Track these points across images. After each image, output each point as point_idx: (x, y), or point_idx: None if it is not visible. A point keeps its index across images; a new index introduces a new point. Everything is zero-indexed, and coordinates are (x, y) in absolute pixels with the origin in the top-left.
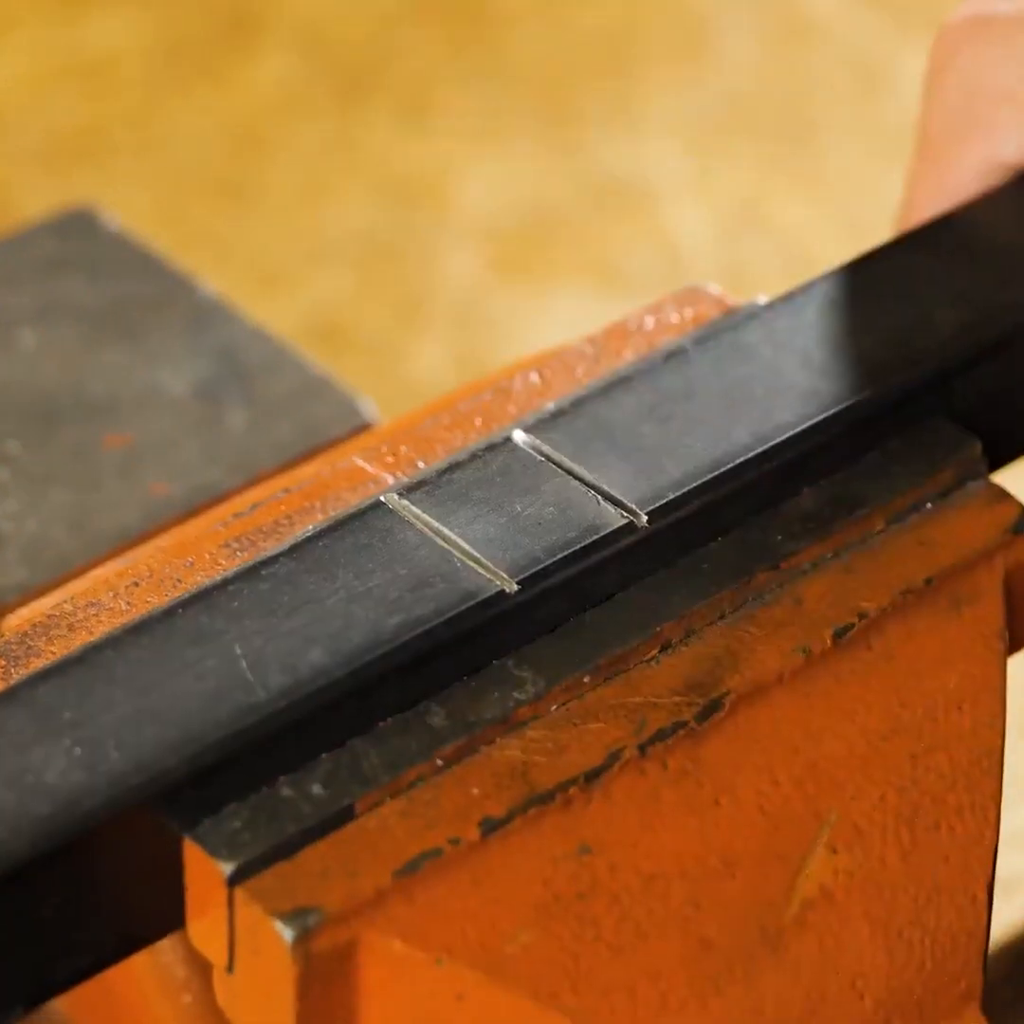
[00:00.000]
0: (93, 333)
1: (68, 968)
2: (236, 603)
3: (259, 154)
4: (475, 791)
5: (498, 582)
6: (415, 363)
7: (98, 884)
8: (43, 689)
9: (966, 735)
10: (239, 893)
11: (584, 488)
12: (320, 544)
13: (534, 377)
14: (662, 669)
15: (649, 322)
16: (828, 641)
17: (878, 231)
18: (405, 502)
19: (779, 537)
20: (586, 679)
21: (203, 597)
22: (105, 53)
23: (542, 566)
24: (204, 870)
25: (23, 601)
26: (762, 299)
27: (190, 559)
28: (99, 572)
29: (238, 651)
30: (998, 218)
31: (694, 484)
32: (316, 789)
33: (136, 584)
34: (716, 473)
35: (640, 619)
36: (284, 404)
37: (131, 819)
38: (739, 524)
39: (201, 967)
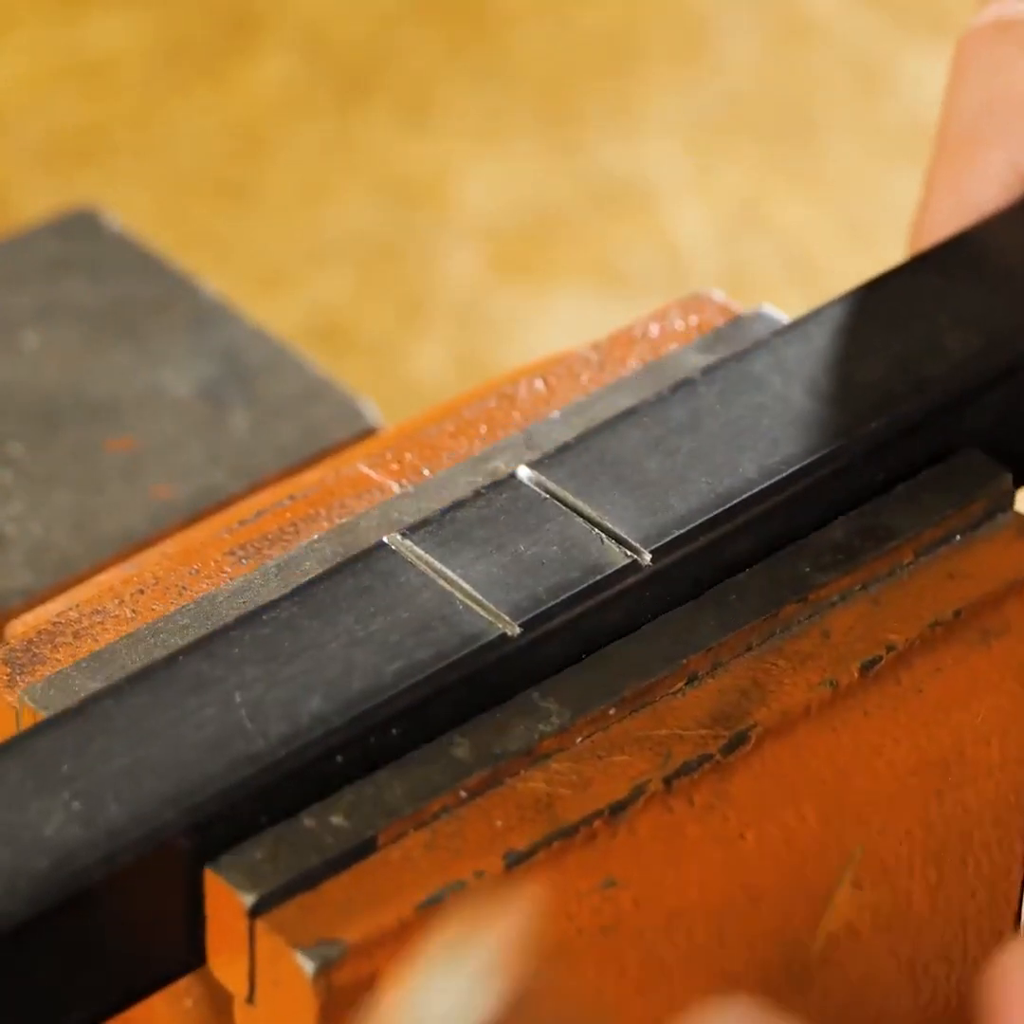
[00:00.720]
0: (95, 334)
1: (87, 1013)
2: (236, 650)
3: (259, 154)
4: (499, 824)
5: (499, 625)
6: (415, 363)
7: (102, 936)
8: (42, 742)
9: (994, 770)
10: (260, 925)
11: (588, 526)
12: (322, 587)
13: (539, 383)
14: (688, 701)
15: (654, 329)
16: (856, 674)
17: (878, 231)
18: (408, 543)
19: (807, 568)
20: (612, 711)
21: (203, 644)
22: (105, 53)
23: (543, 608)
24: (225, 901)
25: (27, 605)
26: (767, 307)
27: (195, 566)
28: (104, 578)
29: (238, 699)
30: (1013, 238)
31: (698, 521)
32: (338, 820)
33: (141, 591)
34: (720, 510)
35: (666, 651)
36: (286, 406)
37: (133, 870)
38: (745, 559)
39: (201, 973)
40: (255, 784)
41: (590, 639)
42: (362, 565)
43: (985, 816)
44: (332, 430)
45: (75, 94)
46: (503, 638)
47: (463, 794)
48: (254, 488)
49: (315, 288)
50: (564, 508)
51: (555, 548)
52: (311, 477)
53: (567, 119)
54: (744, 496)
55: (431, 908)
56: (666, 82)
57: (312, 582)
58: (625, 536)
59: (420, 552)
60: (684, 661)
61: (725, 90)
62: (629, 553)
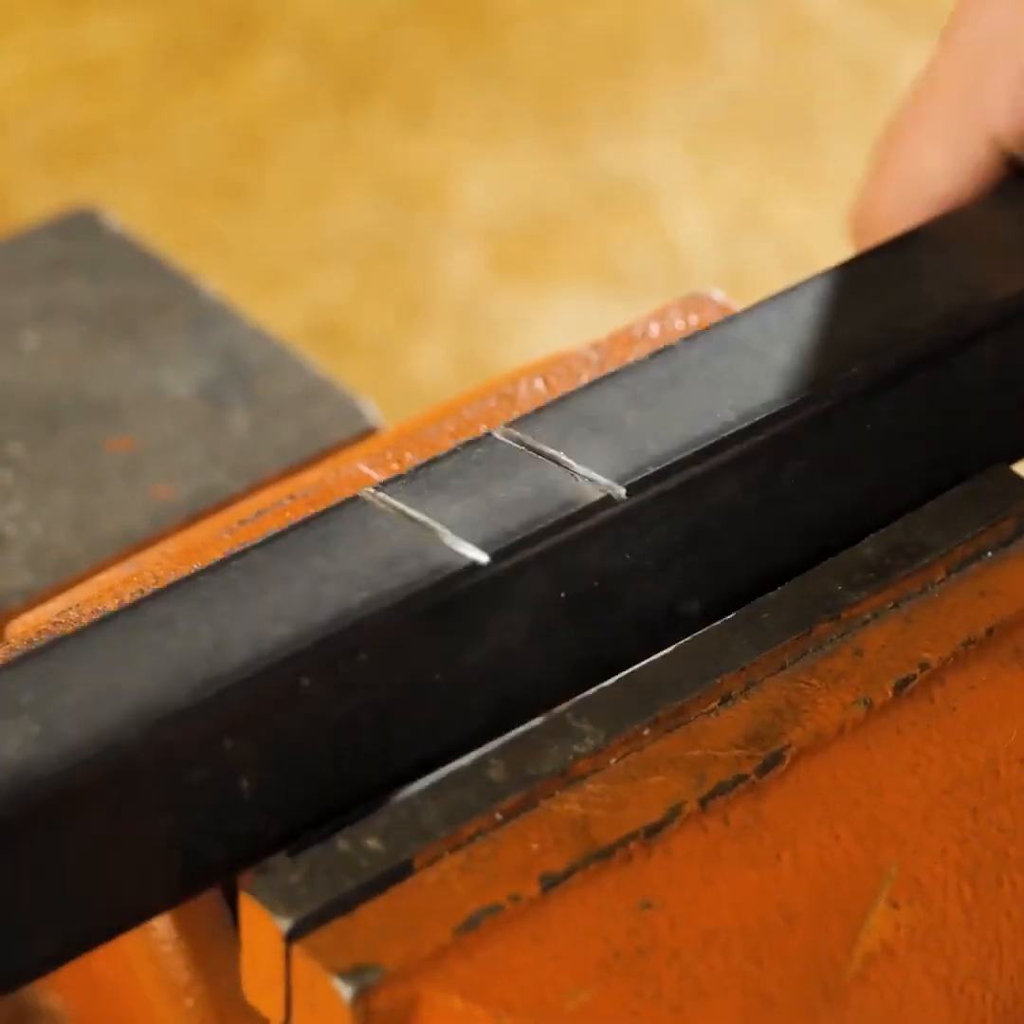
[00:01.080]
0: (95, 334)
1: (45, 949)
2: (203, 592)
3: (259, 154)
4: (535, 846)
5: (470, 555)
6: (415, 363)
7: (68, 858)
8: (3, 674)
9: None
10: (297, 949)
11: (562, 470)
12: (291, 535)
13: (539, 383)
14: (722, 721)
15: (654, 329)
16: (889, 693)
17: None
18: (381, 494)
19: (839, 587)
20: (646, 732)
21: (170, 589)
22: (105, 53)
23: (515, 539)
24: (261, 925)
25: (27, 606)
26: None
27: (195, 566)
28: (104, 578)
29: (203, 632)
30: (996, 217)
31: (674, 458)
32: (373, 843)
33: (141, 591)
34: (697, 448)
35: (700, 670)
36: (286, 406)
37: (92, 784)
38: (728, 503)
39: (204, 971)
40: (217, 702)
41: (568, 576)
42: (333, 514)
43: (1020, 834)
44: (332, 430)
45: (75, 94)
46: (474, 567)
47: (498, 816)
48: (254, 488)
49: (315, 288)
50: (540, 457)
51: (529, 489)
52: (311, 477)
53: (567, 119)
54: (721, 436)
55: (468, 932)
56: (666, 82)
57: (281, 531)
58: (598, 476)
59: (392, 501)
60: (717, 681)
61: (725, 90)
62: (603, 489)
